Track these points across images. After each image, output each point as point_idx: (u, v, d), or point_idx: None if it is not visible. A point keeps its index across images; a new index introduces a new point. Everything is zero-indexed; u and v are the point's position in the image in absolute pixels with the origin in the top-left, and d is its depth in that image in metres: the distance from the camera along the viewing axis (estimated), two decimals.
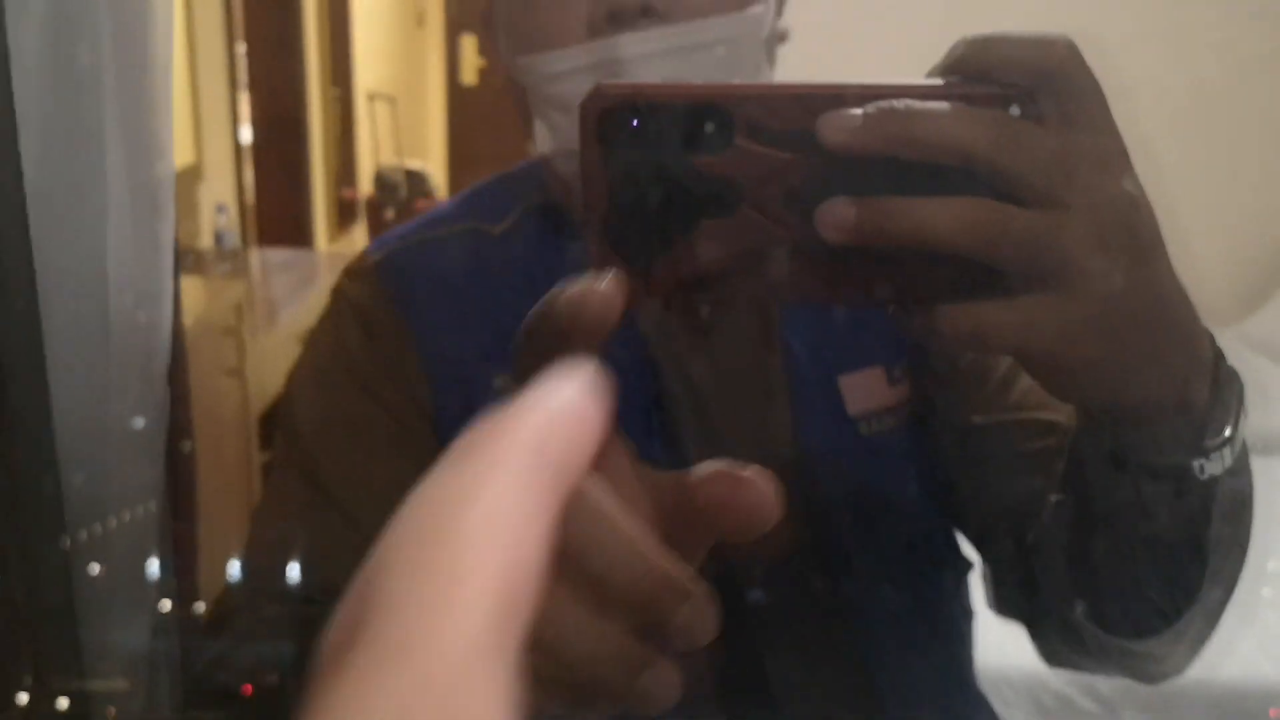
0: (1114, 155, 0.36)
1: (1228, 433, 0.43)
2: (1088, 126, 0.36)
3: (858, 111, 0.34)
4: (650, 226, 0.36)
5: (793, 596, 0.68)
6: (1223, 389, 0.43)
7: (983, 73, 0.36)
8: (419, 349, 0.68)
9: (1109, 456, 0.45)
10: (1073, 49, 0.36)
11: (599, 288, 0.31)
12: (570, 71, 0.60)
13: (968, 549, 0.71)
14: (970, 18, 0.42)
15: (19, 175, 0.62)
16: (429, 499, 0.19)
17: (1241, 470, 0.45)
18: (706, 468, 0.32)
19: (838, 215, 0.34)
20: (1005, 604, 0.66)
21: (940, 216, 0.34)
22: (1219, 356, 0.43)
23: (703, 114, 0.35)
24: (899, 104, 0.34)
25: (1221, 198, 3.51)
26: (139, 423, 0.73)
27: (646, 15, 0.58)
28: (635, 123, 0.36)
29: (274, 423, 0.80)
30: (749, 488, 0.31)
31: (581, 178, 0.36)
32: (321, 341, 0.72)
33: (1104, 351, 0.37)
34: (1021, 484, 0.61)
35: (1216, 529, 0.46)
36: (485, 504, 0.19)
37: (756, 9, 0.61)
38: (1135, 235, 0.36)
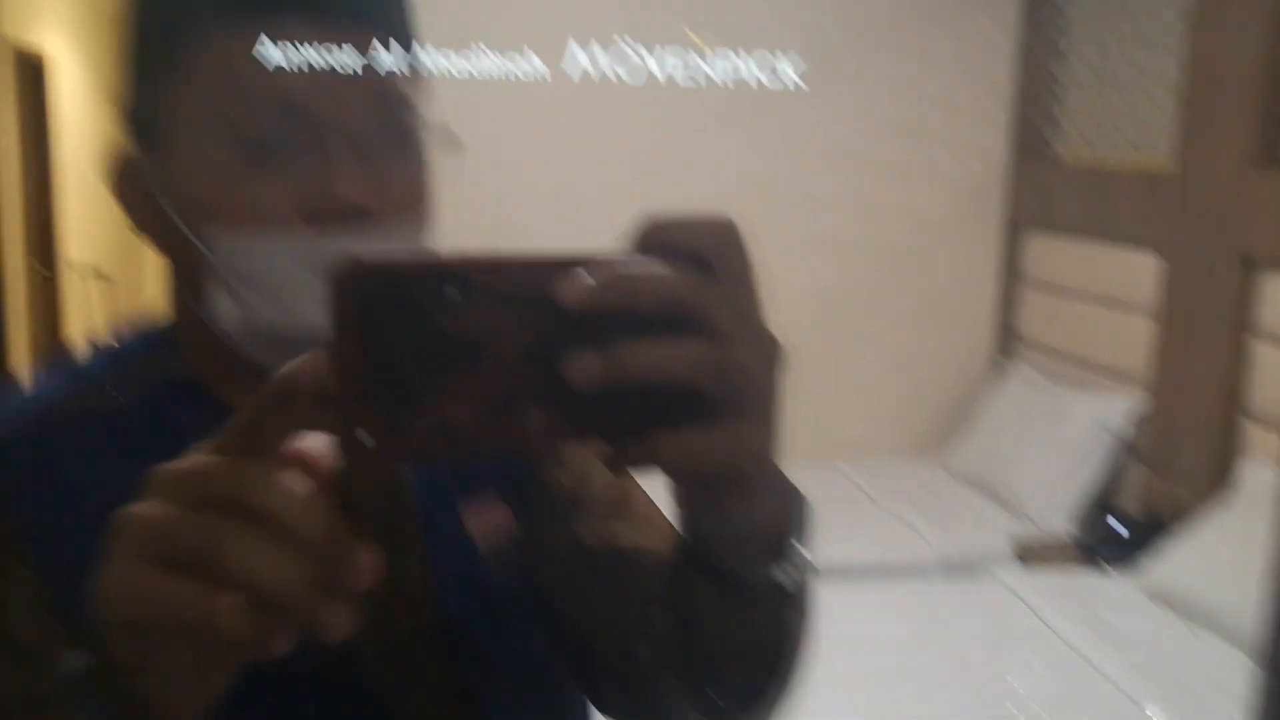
0: (759, 311, 0.45)
1: (799, 550, 0.55)
2: (741, 285, 0.44)
3: (590, 277, 0.40)
4: (406, 384, 0.40)
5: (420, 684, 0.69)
6: (798, 516, 0.55)
7: (665, 245, 0.43)
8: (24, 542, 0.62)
9: (708, 570, 0.55)
10: (733, 226, 0.44)
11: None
12: (281, 257, 0.61)
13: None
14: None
15: None
16: None
17: (804, 584, 0.57)
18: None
19: (586, 364, 0.41)
20: (615, 708, 0.73)
21: (674, 353, 0.42)
22: (798, 493, 0.55)
23: (449, 280, 0.40)
24: (622, 269, 0.41)
25: (908, 345, 3.88)
26: None
27: (360, 216, 0.62)
28: (387, 290, 0.40)
29: None
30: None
31: (334, 345, 0.39)
32: None
33: (760, 472, 0.45)
34: (629, 599, 0.68)
35: (791, 626, 0.58)
36: None
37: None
38: (776, 377, 0.45)
